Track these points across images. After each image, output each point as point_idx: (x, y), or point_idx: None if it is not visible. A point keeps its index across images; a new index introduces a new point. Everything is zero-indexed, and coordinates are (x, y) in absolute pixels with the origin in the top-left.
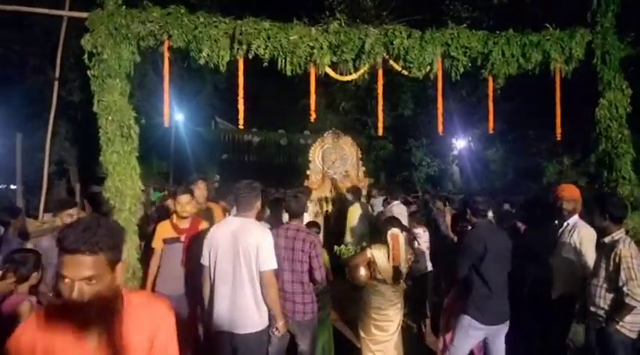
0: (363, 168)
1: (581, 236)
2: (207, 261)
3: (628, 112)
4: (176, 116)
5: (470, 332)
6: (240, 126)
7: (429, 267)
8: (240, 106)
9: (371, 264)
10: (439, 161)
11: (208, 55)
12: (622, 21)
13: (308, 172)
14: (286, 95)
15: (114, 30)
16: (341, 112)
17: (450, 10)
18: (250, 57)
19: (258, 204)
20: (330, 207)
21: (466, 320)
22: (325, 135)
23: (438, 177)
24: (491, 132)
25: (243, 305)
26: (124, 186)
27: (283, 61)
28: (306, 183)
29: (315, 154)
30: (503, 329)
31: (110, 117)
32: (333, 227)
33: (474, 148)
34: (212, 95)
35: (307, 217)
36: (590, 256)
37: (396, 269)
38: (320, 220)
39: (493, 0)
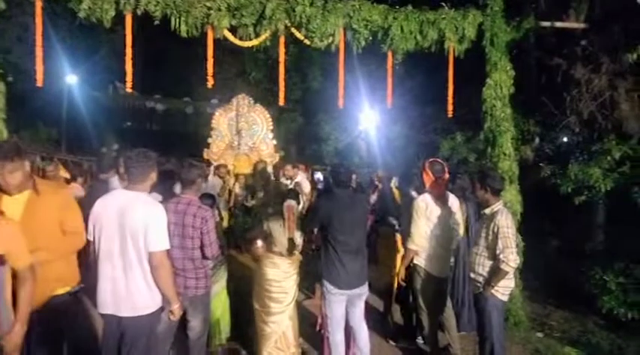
0: (274, 142)
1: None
2: (92, 236)
3: (510, 93)
4: (68, 78)
5: (330, 298)
6: (128, 90)
7: None
8: (128, 68)
9: (267, 237)
10: (346, 135)
11: (90, 7)
12: (509, 5)
13: (209, 140)
14: (193, 61)
15: None
16: (251, 82)
17: None
18: (139, 13)
19: (153, 175)
20: (233, 184)
21: (325, 285)
22: (233, 101)
23: (345, 151)
24: (389, 107)
25: (132, 287)
26: None
27: (177, 20)
28: (206, 153)
29: (220, 122)
30: (361, 295)
31: None
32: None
33: (379, 123)
34: (110, 57)
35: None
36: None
37: (291, 241)
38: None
39: None
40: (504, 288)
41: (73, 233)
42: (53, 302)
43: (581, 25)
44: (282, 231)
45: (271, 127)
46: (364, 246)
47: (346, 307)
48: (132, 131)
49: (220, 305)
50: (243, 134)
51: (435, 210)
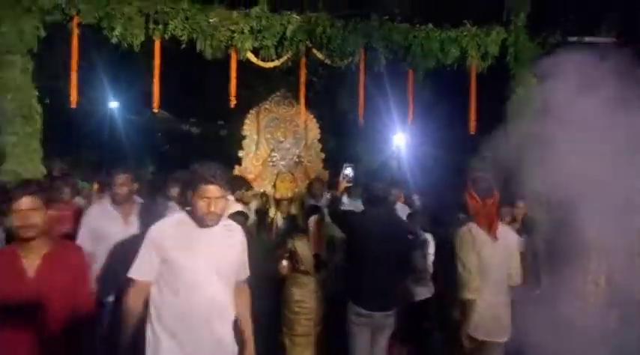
0: (323, 155)
1: None
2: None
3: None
4: (110, 104)
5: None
6: (155, 110)
7: None
8: (156, 90)
9: (292, 256)
10: (380, 156)
11: (121, 34)
12: (535, 20)
13: (240, 154)
14: (227, 86)
15: (15, 2)
16: None
17: (382, 5)
18: (167, 37)
19: None
20: (275, 215)
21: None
22: (271, 99)
23: (378, 172)
24: (410, 124)
25: None
26: (23, 170)
27: (203, 43)
28: (236, 171)
29: (253, 127)
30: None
31: (9, 96)
32: None
33: (409, 143)
34: (148, 82)
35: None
36: None
37: (318, 258)
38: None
39: None
40: None
41: None
42: None
43: (612, 40)
44: (308, 248)
45: (319, 136)
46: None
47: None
48: (168, 154)
49: None
50: (286, 145)
51: (485, 246)
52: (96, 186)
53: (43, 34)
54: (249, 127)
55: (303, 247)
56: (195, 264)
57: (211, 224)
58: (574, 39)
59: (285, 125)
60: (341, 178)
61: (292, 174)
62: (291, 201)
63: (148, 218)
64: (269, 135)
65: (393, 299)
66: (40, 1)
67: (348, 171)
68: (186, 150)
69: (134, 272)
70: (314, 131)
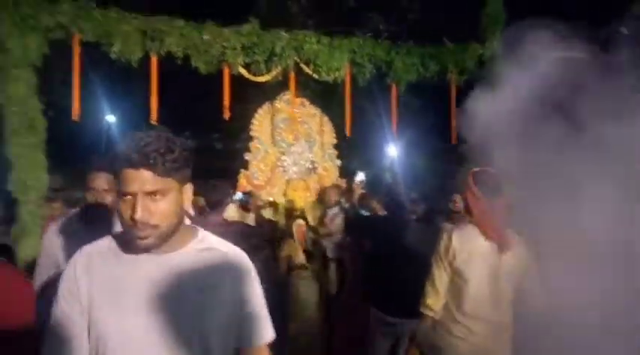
0: (339, 162)
1: None
2: None
3: None
4: (107, 118)
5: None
6: (153, 122)
7: None
8: (153, 104)
9: (288, 257)
10: (372, 167)
11: (120, 50)
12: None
13: (247, 157)
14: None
15: (20, 20)
16: None
17: (370, 23)
18: (163, 54)
19: None
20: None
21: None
22: (280, 97)
23: (371, 184)
24: (396, 137)
25: None
26: (29, 179)
27: (197, 59)
28: (243, 178)
29: (262, 129)
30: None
31: (14, 108)
32: None
33: (401, 155)
34: (145, 96)
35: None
36: None
37: (307, 253)
38: None
39: (408, 15)
40: None
41: None
42: None
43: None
44: (298, 247)
45: (334, 140)
46: None
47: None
48: None
49: None
50: (298, 148)
51: (480, 256)
52: None
53: (46, 50)
54: (257, 128)
55: (294, 249)
56: (121, 327)
57: (145, 246)
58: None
59: (297, 126)
60: (355, 185)
61: (305, 182)
62: (303, 211)
63: None
64: (279, 137)
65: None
66: (45, 20)
67: (361, 177)
68: None
69: None
70: (329, 134)
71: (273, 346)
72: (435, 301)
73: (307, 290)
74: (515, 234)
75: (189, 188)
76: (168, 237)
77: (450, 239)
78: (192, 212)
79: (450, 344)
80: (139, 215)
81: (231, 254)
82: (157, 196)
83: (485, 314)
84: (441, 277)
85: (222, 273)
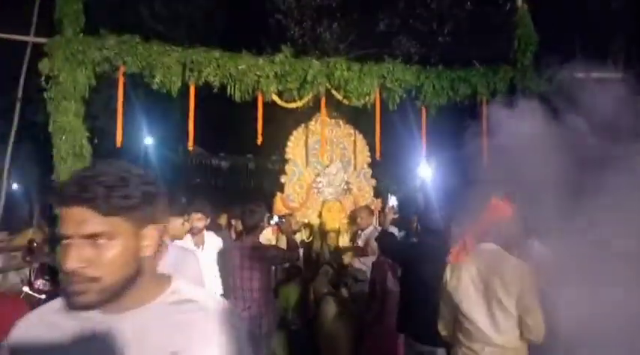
0: (374, 181)
1: None
2: None
3: None
4: (145, 140)
5: None
6: (190, 147)
7: None
8: (191, 129)
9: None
10: (404, 187)
11: (161, 81)
12: (542, 57)
13: (283, 180)
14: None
15: (70, 55)
16: None
17: (400, 46)
18: (201, 83)
19: None
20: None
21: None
22: (315, 119)
23: (402, 204)
24: (424, 157)
25: None
26: None
27: (232, 88)
28: (279, 201)
29: (296, 151)
30: None
31: (64, 137)
32: None
33: (435, 175)
34: (182, 120)
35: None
36: None
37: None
38: None
39: (439, 39)
40: None
41: None
42: None
43: (620, 75)
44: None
45: (369, 159)
46: None
47: None
48: (200, 187)
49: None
50: (332, 169)
51: (470, 280)
52: None
53: (93, 82)
54: (292, 150)
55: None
56: None
57: (82, 305)
58: (581, 75)
59: (332, 147)
60: (387, 209)
61: (340, 203)
62: (338, 232)
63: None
64: (314, 159)
65: None
66: (92, 54)
67: (394, 201)
68: (217, 183)
69: None
70: (364, 154)
71: None
72: (442, 326)
73: (336, 319)
74: (519, 257)
75: (152, 230)
76: (116, 293)
77: (444, 268)
78: (233, 236)
79: None
80: (68, 264)
81: (211, 307)
82: (99, 241)
83: (485, 338)
84: (444, 303)
85: (197, 333)
